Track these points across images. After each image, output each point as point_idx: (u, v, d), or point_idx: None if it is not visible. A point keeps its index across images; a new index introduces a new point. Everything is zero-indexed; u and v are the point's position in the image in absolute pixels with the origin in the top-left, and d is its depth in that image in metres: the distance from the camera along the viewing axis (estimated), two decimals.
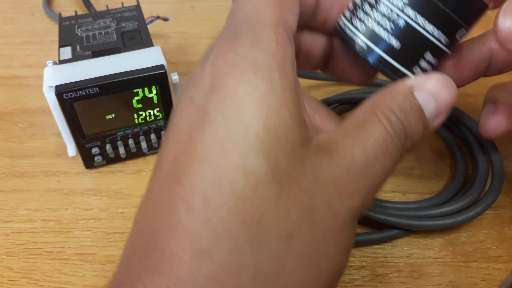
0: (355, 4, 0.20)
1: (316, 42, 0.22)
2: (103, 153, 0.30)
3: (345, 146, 0.16)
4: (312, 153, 0.16)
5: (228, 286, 0.13)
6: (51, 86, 0.26)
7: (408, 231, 0.26)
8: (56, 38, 0.31)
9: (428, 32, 0.18)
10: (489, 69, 0.23)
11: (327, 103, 0.33)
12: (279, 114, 0.15)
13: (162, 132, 0.30)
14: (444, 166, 0.30)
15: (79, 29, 0.32)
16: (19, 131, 0.34)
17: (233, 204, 0.14)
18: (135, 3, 0.35)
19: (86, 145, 0.29)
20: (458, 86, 0.21)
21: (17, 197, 0.29)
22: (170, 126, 0.17)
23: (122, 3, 0.35)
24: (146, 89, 0.28)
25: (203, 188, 0.14)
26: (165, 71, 0.27)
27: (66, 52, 0.29)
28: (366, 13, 0.19)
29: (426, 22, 0.18)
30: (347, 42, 0.19)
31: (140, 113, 0.29)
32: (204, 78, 0.16)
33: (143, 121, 0.29)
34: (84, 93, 0.26)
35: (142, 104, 0.28)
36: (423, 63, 0.19)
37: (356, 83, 0.23)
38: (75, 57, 0.29)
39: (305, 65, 0.23)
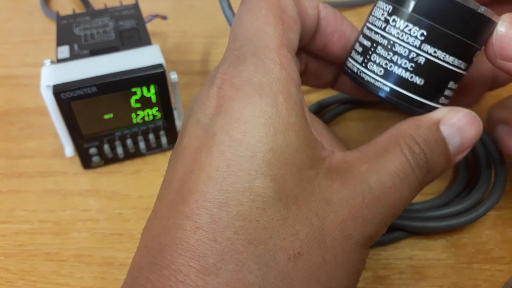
0: (365, 48, 0.19)
1: (321, 66, 0.22)
2: (101, 153, 0.30)
3: (360, 170, 0.16)
4: (323, 175, 0.16)
5: None
6: (48, 86, 0.26)
7: (411, 232, 0.25)
8: (54, 37, 0.31)
9: (449, 63, 0.18)
10: (493, 85, 0.24)
11: (327, 103, 0.33)
12: (285, 137, 0.15)
13: (161, 132, 0.30)
14: None
15: (77, 28, 0.31)
16: (16, 131, 0.33)
17: (240, 224, 0.14)
18: (134, 2, 0.34)
19: (84, 145, 0.29)
20: (470, 106, 0.21)
21: (14, 198, 0.29)
22: (177, 146, 0.17)
23: (120, 2, 0.35)
24: (144, 89, 0.28)
25: (210, 208, 0.15)
26: (164, 70, 0.27)
27: (64, 51, 0.29)
28: (382, 56, 0.19)
29: (446, 55, 0.18)
30: (365, 86, 0.19)
31: (139, 112, 0.29)
32: (211, 101, 0.17)
33: (141, 121, 0.29)
34: (82, 93, 0.26)
35: (140, 104, 0.28)
36: (447, 92, 0.19)
37: (367, 98, 0.23)
38: (73, 56, 0.29)
39: (313, 82, 0.23)
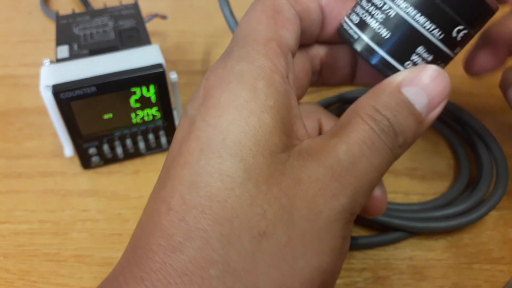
0: (355, 3, 0.20)
1: (338, 55, 0.22)
2: (100, 153, 0.30)
3: (329, 146, 0.16)
4: (295, 157, 0.16)
5: (196, 279, 0.14)
6: (48, 86, 0.26)
7: (411, 233, 0.25)
8: (53, 36, 0.31)
9: (420, 25, 0.18)
10: None
11: (328, 103, 0.33)
12: (260, 119, 0.16)
13: (161, 132, 0.30)
14: (446, 166, 0.30)
15: (76, 28, 0.31)
16: (16, 131, 0.33)
17: (207, 204, 0.15)
18: (133, 1, 0.34)
19: (84, 145, 0.29)
20: (494, 69, 0.22)
21: (14, 198, 0.29)
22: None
23: (120, 1, 0.35)
24: (144, 88, 0.27)
25: (182, 190, 0.15)
26: (164, 70, 0.27)
27: (63, 51, 0.29)
28: (362, 7, 0.19)
29: (419, 14, 0.18)
30: (342, 35, 0.20)
31: (138, 112, 0.29)
32: (199, 93, 0.18)
33: (141, 121, 0.29)
34: (81, 93, 0.26)
35: (140, 104, 0.28)
36: (414, 57, 0.19)
37: None
38: (73, 56, 0.28)
39: (331, 79, 0.24)
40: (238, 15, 0.33)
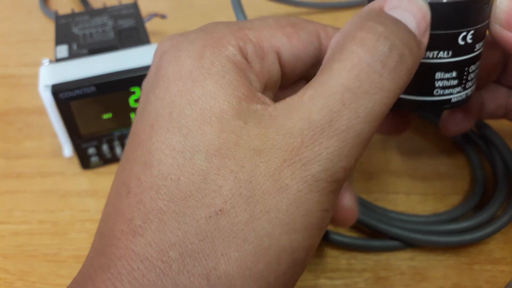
0: None
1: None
2: (100, 153, 0.29)
3: (303, 102, 0.14)
4: (253, 123, 0.14)
5: (157, 263, 0.13)
6: (47, 85, 0.26)
7: (410, 244, 0.25)
8: (53, 36, 0.30)
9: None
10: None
11: None
12: (203, 86, 0.15)
13: None
14: (447, 166, 0.30)
15: (75, 27, 0.31)
16: (15, 131, 0.33)
17: (161, 183, 0.14)
18: (132, 1, 0.34)
19: (83, 145, 0.29)
20: (468, 128, 0.22)
21: (13, 198, 0.29)
22: None
23: (119, 1, 0.35)
24: None
25: (137, 171, 0.15)
26: None
27: (63, 51, 0.29)
28: None
29: None
30: None
31: None
32: (153, 62, 0.17)
33: None
34: (80, 92, 0.26)
35: (139, 104, 0.28)
36: (441, 83, 0.19)
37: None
38: (72, 56, 0.28)
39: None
40: (234, 18, 0.33)
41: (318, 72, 0.15)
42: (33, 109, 0.35)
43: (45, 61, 0.28)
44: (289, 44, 0.17)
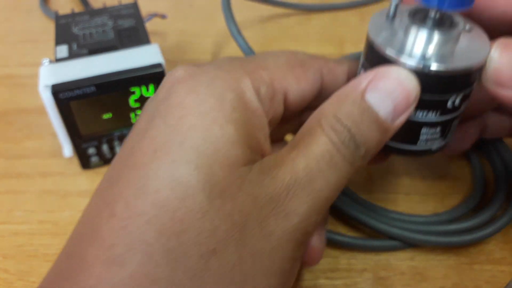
0: None
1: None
2: (100, 153, 0.29)
3: (289, 160, 0.15)
4: (255, 172, 0.15)
5: None
6: (47, 85, 0.26)
7: (410, 244, 0.25)
8: (52, 36, 0.30)
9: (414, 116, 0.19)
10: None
11: None
12: (222, 128, 0.15)
13: None
14: (447, 166, 0.30)
15: (75, 27, 0.31)
16: (15, 131, 0.33)
17: (154, 213, 0.13)
18: (132, 1, 0.34)
19: (83, 145, 0.29)
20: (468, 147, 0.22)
21: (13, 198, 0.29)
22: None
23: (119, 1, 0.34)
24: (143, 88, 0.27)
25: (128, 194, 0.14)
26: (163, 70, 0.27)
27: (63, 51, 0.29)
28: None
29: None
30: None
31: (138, 112, 0.28)
32: (163, 86, 0.16)
33: None
34: (80, 92, 0.26)
35: (139, 104, 0.28)
36: (424, 136, 0.19)
37: None
38: (72, 56, 0.28)
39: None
40: (239, 18, 0.33)
41: (301, 133, 0.16)
42: (33, 109, 0.35)
43: (45, 61, 0.28)
44: (297, 86, 0.18)
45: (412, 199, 0.28)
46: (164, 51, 0.29)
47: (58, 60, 0.28)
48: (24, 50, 0.41)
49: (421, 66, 0.17)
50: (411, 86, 0.16)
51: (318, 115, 0.16)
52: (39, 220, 0.27)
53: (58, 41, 0.30)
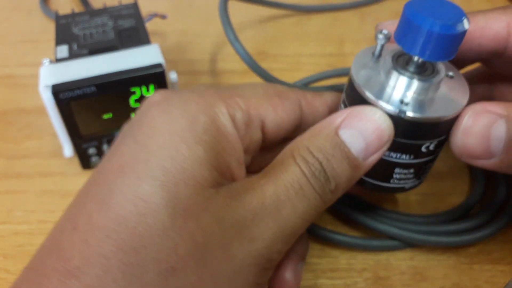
0: None
1: None
2: (100, 153, 0.29)
3: (258, 186, 0.15)
4: (222, 194, 0.15)
5: None
6: (47, 85, 0.26)
7: (409, 244, 0.25)
8: (53, 36, 0.30)
9: (390, 157, 0.19)
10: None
11: None
12: (191, 148, 0.15)
13: None
14: (447, 166, 0.30)
15: (76, 27, 0.31)
16: (15, 131, 0.33)
17: (114, 228, 0.14)
18: (133, 1, 0.34)
19: (83, 145, 0.29)
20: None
21: (13, 198, 0.29)
22: None
23: (119, 1, 0.35)
24: (143, 88, 0.27)
25: (91, 208, 0.14)
26: (163, 70, 0.27)
27: (63, 51, 0.29)
28: None
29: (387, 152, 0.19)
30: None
31: None
32: (139, 109, 0.17)
33: None
34: (81, 93, 0.26)
35: (139, 104, 0.28)
36: (397, 176, 0.20)
37: None
38: (72, 56, 0.28)
39: None
40: (235, 20, 0.33)
41: (273, 163, 0.17)
42: (33, 109, 0.35)
43: (46, 61, 0.28)
44: (274, 114, 0.18)
45: (412, 199, 0.28)
46: (164, 51, 0.29)
47: (58, 60, 0.28)
48: (24, 50, 0.41)
49: (397, 112, 0.17)
50: (385, 127, 0.17)
51: (291, 147, 0.17)
52: (39, 220, 0.28)
53: (58, 41, 0.30)
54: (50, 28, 0.43)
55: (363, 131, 0.17)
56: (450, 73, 0.19)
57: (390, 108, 0.17)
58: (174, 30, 0.43)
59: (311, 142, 0.16)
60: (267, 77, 0.27)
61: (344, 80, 0.34)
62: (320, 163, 0.16)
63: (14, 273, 0.25)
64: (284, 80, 0.26)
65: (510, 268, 0.24)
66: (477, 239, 0.24)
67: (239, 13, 0.43)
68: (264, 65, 0.30)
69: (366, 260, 0.25)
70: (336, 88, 0.25)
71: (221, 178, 0.16)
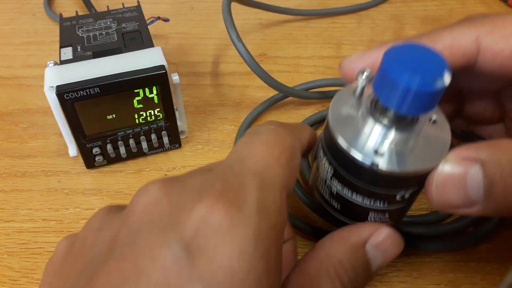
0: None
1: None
2: (104, 153, 0.30)
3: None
4: None
5: None
6: (52, 86, 0.26)
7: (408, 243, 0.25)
8: (57, 38, 0.31)
9: (364, 204, 0.19)
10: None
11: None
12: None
13: (163, 132, 0.31)
14: None
15: (80, 30, 0.32)
16: (20, 131, 0.34)
17: None
18: (136, 4, 0.35)
19: (87, 145, 0.29)
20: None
21: (18, 197, 0.29)
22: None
23: (122, 4, 0.35)
24: (146, 90, 0.28)
25: None
26: (166, 72, 0.27)
27: (67, 53, 0.29)
28: (317, 176, 0.21)
29: (354, 193, 0.19)
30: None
31: (141, 113, 0.29)
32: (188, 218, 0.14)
33: (143, 121, 0.29)
34: (85, 93, 0.26)
35: (142, 105, 0.29)
36: (371, 218, 0.20)
37: None
38: (76, 58, 0.29)
39: None
40: (236, 24, 0.33)
41: (300, 277, 0.17)
42: (38, 110, 0.35)
43: (50, 63, 0.28)
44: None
45: None
46: (166, 53, 0.29)
47: (62, 62, 0.29)
48: (29, 51, 0.42)
49: (369, 164, 0.17)
50: (399, 248, 0.19)
51: (324, 259, 0.18)
52: (44, 218, 0.28)
53: (63, 43, 0.30)
54: (54, 30, 0.43)
55: (384, 252, 0.18)
56: (434, 117, 0.18)
57: (362, 158, 0.17)
58: (176, 33, 0.44)
59: (344, 256, 0.18)
60: (268, 79, 0.27)
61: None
62: (352, 282, 0.17)
63: (18, 271, 0.25)
64: (283, 82, 0.26)
65: (505, 266, 0.24)
66: (477, 239, 0.24)
67: (240, 16, 0.43)
68: (264, 67, 0.31)
69: None
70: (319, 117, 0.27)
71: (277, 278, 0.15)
